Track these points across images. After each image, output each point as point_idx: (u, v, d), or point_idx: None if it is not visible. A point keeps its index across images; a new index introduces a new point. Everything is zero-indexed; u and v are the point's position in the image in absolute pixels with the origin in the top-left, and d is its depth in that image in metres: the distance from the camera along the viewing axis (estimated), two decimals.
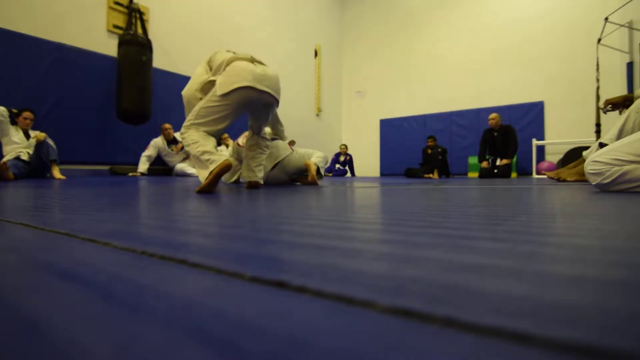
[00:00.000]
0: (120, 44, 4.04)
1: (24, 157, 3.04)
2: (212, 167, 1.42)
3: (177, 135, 4.59)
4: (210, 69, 1.66)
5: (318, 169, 2.36)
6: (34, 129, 3.32)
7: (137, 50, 4.02)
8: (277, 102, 1.69)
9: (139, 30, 4.23)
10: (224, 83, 1.49)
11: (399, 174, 7.39)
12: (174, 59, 5.09)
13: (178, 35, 5.19)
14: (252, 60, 1.61)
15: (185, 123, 1.59)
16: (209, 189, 1.40)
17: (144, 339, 0.17)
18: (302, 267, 0.30)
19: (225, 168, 1.41)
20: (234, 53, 1.70)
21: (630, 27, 4.88)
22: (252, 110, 1.74)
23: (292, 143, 2.46)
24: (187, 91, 1.66)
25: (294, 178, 2.52)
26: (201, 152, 1.47)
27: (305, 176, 2.45)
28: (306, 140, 7.33)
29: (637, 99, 2.04)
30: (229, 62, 1.57)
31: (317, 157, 2.45)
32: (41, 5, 3.85)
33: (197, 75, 1.66)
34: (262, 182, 1.88)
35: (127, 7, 4.37)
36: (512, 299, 0.22)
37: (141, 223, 0.58)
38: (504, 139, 4.98)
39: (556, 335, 0.17)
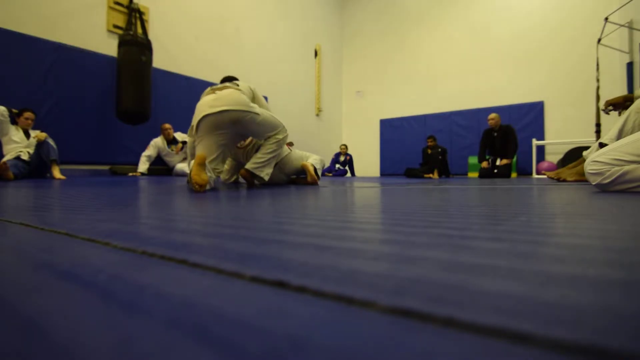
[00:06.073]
0: (120, 44, 4.04)
1: (24, 157, 3.04)
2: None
3: (177, 135, 4.59)
4: None
5: (315, 170, 2.37)
6: (34, 129, 3.32)
7: (137, 51, 4.02)
8: (242, 112, 1.76)
9: (139, 31, 4.23)
10: (192, 123, 1.80)
11: (399, 174, 7.39)
12: (174, 59, 5.09)
13: (178, 35, 5.19)
14: (214, 90, 1.83)
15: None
16: (196, 180, 1.47)
17: (144, 339, 0.17)
18: (302, 267, 0.30)
19: (200, 159, 1.55)
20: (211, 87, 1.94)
21: (630, 27, 4.88)
22: (236, 133, 1.87)
23: (290, 144, 2.47)
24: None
25: (293, 179, 2.53)
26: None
27: (303, 177, 2.46)
28: (306, 140, 7.34)
29: (637, 99, 2.04)
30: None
31: (313, 159, 2.48)
32: (41, 5, 3.85)
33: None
34: (258, 173, 1.87)
35: (127, 7, 4.37)
36: (512, 299, 0.22)
37: (141, 223, 0.58)
38: (503, 139, 4.98)
39: (556, 335, 0.17)
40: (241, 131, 1.88)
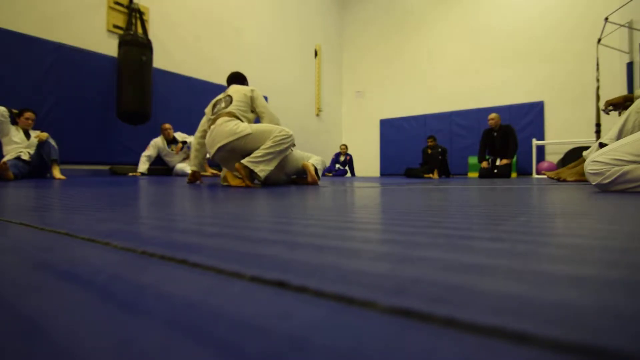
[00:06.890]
0: (120, 44, 4.04)
1: (25, 157, 3.04)
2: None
3: (177, 135, 4.59)
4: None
5: (316, 170, 2.37)
6: (34, 129, 3.32)
7: (137, 50, 4.02)
8: (231, 142, 1.97)
9: (139, 31, 4.22)
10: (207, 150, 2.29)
11: (399, 174, 7.39)
12: (174, 59, 5.09)
13: (178, 35, 5.19)
14: (213, 121, 2.08)
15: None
16: (232, 184, 1.95)
17: (144, 339, 0.17)
18: (302, 267, 0.30)
19: (229, 172, 2.02)
20: (214, 103, 2.20)
21: (630, 27, 4.88)
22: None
23: None
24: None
25: (294, 179, 2.53)
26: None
27: (304, 177, 2.46)
28: (306, 140, 7.34)
29: (638, 99, 2.04)
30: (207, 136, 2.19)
31: (314, 159, 2.48)
32: (41, 5, 3.85)
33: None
34: (252, 168, 1.89)
35: (127, 7, 4.37)
36: (512, 299, 0.22)
37: (141, 223, 0.58)
38: (503, 139, 4.98)
39: (556, 335, 0.17)
40: (242, 153, 2.02)
